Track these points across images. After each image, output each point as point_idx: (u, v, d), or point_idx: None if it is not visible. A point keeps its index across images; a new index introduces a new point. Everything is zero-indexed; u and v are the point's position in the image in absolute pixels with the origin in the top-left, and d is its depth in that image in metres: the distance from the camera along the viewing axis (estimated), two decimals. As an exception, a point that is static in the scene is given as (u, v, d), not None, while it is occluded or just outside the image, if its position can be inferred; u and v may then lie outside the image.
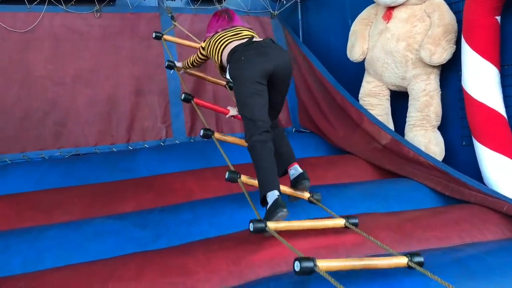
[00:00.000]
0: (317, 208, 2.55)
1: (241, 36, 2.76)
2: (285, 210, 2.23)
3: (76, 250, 2.27)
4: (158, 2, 4.71)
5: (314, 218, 2.44)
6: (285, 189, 2.56)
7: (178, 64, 3.51)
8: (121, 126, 4.38)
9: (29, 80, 4.20)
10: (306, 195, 2.63)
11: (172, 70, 3.59)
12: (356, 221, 2.32)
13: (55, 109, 4.22)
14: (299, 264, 1.76)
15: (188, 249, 2.20)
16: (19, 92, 4.16)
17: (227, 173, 2.52)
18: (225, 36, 2.79)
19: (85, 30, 4.43)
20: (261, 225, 2.12)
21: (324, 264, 1.80)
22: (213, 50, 2.84)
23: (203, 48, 3.01)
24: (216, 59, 2.84)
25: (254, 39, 2.68)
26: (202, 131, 2.87)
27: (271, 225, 2.15)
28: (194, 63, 3.25)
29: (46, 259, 2.20)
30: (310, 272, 1.76)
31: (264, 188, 2.35)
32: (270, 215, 2.24)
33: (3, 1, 4.23)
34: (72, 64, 4.32)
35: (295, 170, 2.64)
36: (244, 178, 2.55)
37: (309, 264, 1.76)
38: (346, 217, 2.33)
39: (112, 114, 4.38)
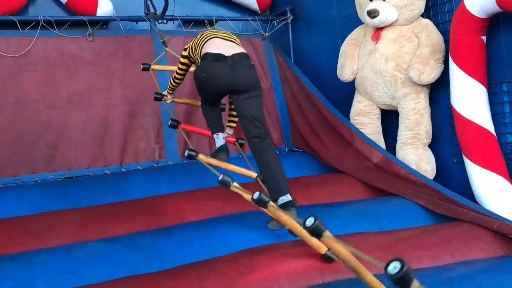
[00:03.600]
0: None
1: (226, 36, 2.94)
2: (225, 156, 2.98)
3: (68, 274, 2.25)
4: (150, 25, 4.76)
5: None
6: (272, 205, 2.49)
7: (165, 93, 3.56)
8: (114, 148, 4.39)
9: (22, 103, 4.21)
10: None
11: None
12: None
13: (48, 132, 4.23)
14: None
15: (180, 272, 2.19)
16: (12, 116, 4.17)
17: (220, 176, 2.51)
18: (211, 32, 2.98)
19: (78, 53, 4.46)
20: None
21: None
22: (196, 45, 2.94)
23: (185, 49, 3.11)
24: (198, 53, 2.92)
25: (228, 53, 2.76)
26: (187, 151, 2.93)
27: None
28: (175, 78, 3.31)
29: (37, 284, 2.18)
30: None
31: (212, 130, 3.09)
32: (214, 155, 2.97)
33: (-4, 27, 4.28)
34: (65, 87, 4.34)
35: (286, 197, 2.64)
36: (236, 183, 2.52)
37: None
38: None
39: (105, 137, 4.38)
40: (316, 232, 2.01)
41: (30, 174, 4.10)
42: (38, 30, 4.33)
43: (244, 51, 2.86)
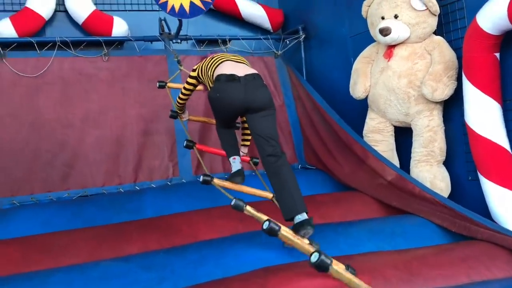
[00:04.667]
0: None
1: (236, 59, 2.99)
2: (240, 180, 2.99)
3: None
4: (164, 45, 4.83)
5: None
6: (286, 231, 2.49)
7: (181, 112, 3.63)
8: (128, 166, 4.43)
9: (38, 122, 4.29)
10: (306, 241, 2.54)
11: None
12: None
13: (64, 150, 4.29)
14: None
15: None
16: (29, 134, 4.25)
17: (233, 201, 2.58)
18: (222, 55, 3.01)
19: (93, 73, 4.55)
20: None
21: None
22: (208, 68, 2.99)
23: (194, 70, 3.17)
24: (210, 76, 2.96)
25: (241, 74, 2.81)
26: (201, 177, 2.93)
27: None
28: (181, 98, 3.38)
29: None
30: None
31: (228, 154, 3.09)
32: (230, 179, 2.99)
33: (15, 48, 4.38)
34: (81, 106, 4.42)
35: (302, 216, 2.63)
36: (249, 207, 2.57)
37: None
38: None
39: (120, 155, 4.43)
40: (322, 267, 2.04)
41: (46, 192, 4.15)
42: (55, 51, 4.42)
43: (255, 71, 2.91)
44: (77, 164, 4.31)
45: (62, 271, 2.46)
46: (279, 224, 2.42)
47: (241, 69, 2.85)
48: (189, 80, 3.22)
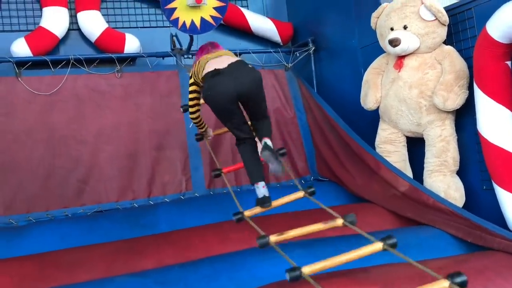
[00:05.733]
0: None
1: (217, 55, 3.11)
2: (269, 204, 2.93)
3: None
4: (176, 60, 4.90)
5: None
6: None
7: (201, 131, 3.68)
8: (142, 181, 4.47)
9: (53, 139, 4.36)
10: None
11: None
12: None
13: (78, 166, 4.35)
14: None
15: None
16: (44, 151, 4.32)
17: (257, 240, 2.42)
18: (205, 57, 3.12)
19: (106, 89, 4.62)
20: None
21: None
22: (197, 72, 3.12)
23: (190, 77, 3.28)
24: (200, 80, 3.09)
25: (224, 66, 2.92)
26: (234, 217, 2.86)
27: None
28: (192, 110, 3.40)
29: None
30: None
31: (251, 179, 3.06)
32: (258, 205, 2.94)
33: (30, 66, 4.47)
34: (94, 123, 4.48)
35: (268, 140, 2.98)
36: (272, 238, 2.44)
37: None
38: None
39: (133, 170, 4.48)
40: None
41: (61, 208, 4.20)
42: (69, 68, 4.50)
43: (239, 59, 3.05)
44: (92, 179, 4.37)
45: (78, 286, 2.48)
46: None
47: (224, 62, 2.97)
48: (190, 88, 3.30)
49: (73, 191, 4.30)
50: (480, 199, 3.49)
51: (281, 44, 5.70)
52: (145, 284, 2.45)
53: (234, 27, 5.63)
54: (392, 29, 3.71)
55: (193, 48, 4.81)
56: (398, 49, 3.63)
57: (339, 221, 2.52)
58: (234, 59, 3.03)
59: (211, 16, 4.33)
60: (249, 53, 5.28)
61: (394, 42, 3.61)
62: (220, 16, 4.40)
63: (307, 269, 2.14)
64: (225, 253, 2.91)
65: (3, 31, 4.79)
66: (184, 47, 4.87)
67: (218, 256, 2.85)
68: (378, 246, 2.25)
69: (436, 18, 3.54)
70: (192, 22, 4.29)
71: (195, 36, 4.63)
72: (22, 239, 3.43)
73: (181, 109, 3.90)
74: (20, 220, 4.02)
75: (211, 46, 3.31)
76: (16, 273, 2.78)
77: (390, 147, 3.93)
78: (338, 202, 4.12)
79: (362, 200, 3.95)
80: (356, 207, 3.83)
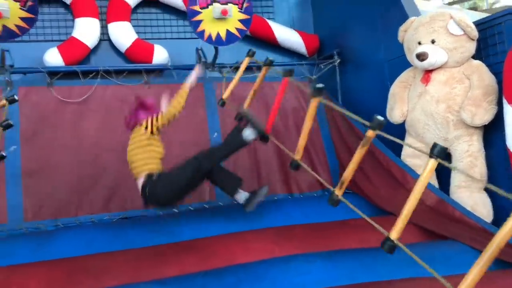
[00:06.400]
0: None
1: None
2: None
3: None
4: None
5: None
6: None
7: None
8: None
9: (82, 147, 4.46)
10: None
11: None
12: None
13: (105, 174, 4.43)
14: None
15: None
16: (73, 159, 4.41)
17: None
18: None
19: (134, 100, 4.70)
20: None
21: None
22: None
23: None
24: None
25: None
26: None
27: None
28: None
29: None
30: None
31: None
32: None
33: (61, 76, 4.60)
34: (122, 132, 4.55)
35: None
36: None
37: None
38: None
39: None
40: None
41: (88, 214, 4.28)
42: (98, 79, 4.62)
43: None
44: (118, 187, 4.44)
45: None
46: None
47: None
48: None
49: (100, 198, 4.38)
50: (508, 216, 3.41)
51: (307, 56, 5.73)
52: (168, 291, 2.49)
53: (260, 39, 5.69)
54: (419, 43, 3.70)
55: (217, 61, 4.89)
56: (426, 63, 3.62)
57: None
58: None
59: (236, 28, 4.40)
60: (273, 65, 5.32)
61: (421, 56, 3.60)
62: (245, 28, 4.46)
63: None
64: (248, 263, 2.92)
65: (37, 41, 4.93)
66: (209, 57, 4.94)
67: (241, 266, 2.87)
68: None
69: (465, 33, 3.52)
70: (218, 34, 4.37)
71: (220, 48, 4.71)
72: (50, 244, 3.50)
73: (219, 103, 3.99)
74: (49, 225, 4.11)
75: None
76: (44, 277, 2.85)
77: (417, 161, 3.90)
78: (359, 215, 4.10)
79: (386, 213, 3.91)
80: (380, 220, 3.76)
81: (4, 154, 2.70)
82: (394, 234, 2.14)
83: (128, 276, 2.81)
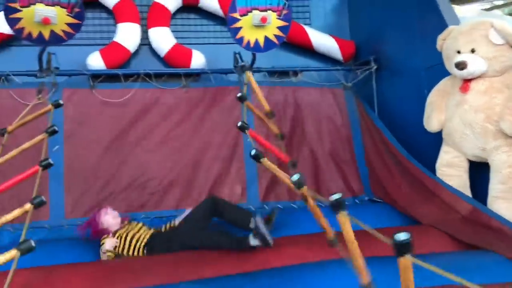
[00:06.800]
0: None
1: None
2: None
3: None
4: (238, 76, 5.06)
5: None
6: None
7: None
8: (202, 190, 4.65)
9: (121, 148, 4.62)
10: None
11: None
12: None
13: (143, 174, 4.58)
14: None
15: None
16: (112, 159, 4.58)
17: None
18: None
19: (172, 103, 4.85)
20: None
21: None
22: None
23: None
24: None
25: None
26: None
27: None
28: None
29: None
30: None
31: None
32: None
33: (103, 79, 4.77)
34: (160, 134, 4.71)
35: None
36: None
37: None
38: None
39: (194, 179, 4.68)
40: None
41: (125, 212, 4.41)
42: (139, 82, 4.76)
43: None
44: (154, 187, 4.58)
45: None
46: None
47: None
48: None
49: (136, 197, 4.53)
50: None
51: (343, 62, 5.74)
52: (208, 292, 2.57)
53: (296, 44, 5.73)
54: (459, 52, 3.67)
55: (255, 65, 4.96)
56: (465, 73, 3.59)
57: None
58: None
59: (275, 35, 4.45)
60: (308, 70, 5.37)
61: (460, 65, 3.57)
62: (283, 35, 4.50)
63: None
64: (282, 266, 2.97)
65: (81, 44, 5.12)
66: (245, 61, 5.01)
67: (275, 269, 2.92)
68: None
69: (507, 42, 3.47)
70: (256, 41, 4.43)
71: (258, 54, 4.77)
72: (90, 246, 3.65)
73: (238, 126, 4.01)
74: (88, 223, 4.27)
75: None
76: (87, 275, 2.97)
77: (452, 171, 3.86)
78: (391, 224, 4.09)
79: (417, 223, 3.89)
80: (411, 229, 3.78)
81: (51, 162, 2.80)
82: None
83: (168, 276, 2.90)
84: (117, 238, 3.53)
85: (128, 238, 3.51)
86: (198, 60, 5.19)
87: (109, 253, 3.50)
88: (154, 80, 4.80)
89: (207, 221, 3.72)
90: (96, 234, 3.67)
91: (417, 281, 2.61)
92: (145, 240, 3.50)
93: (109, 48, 5.11)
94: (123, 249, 3.48)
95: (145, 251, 3.46)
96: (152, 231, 3.65)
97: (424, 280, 2.62)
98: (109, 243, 3.49)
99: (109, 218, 3.71)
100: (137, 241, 3.49)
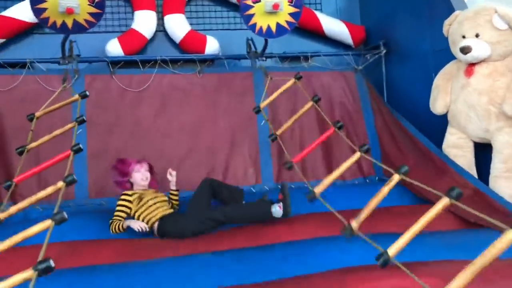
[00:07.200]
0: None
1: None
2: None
3: (186, 280, 2.63)
4: (251, 62, 5.22)
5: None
6: None
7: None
8: (217, 173, 4.82)
9: (139, 132, 4.81)
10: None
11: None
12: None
13: (161, 158, 4.74)
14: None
15: (283, 284, 2.47)
16: (131, 142, 4.77)
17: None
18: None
19: (188, 88, 5.02)
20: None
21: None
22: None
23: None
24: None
25: None
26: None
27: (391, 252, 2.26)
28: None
29: (162, 285, 2.59)
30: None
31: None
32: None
33: (122, 66, 4.97)
34: (177, 119, 4.90)
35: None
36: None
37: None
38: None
39: (210, 163, 4.85)
40: None
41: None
42: (156, 68, 4.95)
43: None
44: (173, 170, 4.78)
45: (167, 260, 2.86)
46: None
47: None
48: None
49: (155, 180, 4.73)
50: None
51: (353, 46, 5.86)
52: (224, 261, 2.78)
53: (307, 30, 5.86)
54: (464, 36, 3.80)
55: (267, 50, 5.12)
56: (469, 57, 3.72)
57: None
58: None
59: (286, 21, 4.59)
60: (319, 55, 5.50)
61: (465, 50, 3.70)
62: (295, 21, 4.64)
63: (392, 251, 2.22)
64: (294, 240, 3.17)
65: (100, 32, 5.32)
66: (258, 48, 5.17)
67: (288, 242, 3.12)
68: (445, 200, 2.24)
69: (510, 27, 3.59)
70: (268, 27, 4.57)
71: (269, 39, 4.92)
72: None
73: (254, 110, 4.16)
74: (109, 203, 4.50)
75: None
76: (113, 250, 3.21)
77: (457, 152, 4.01)
78: (401, 202, 4.25)
79: (426, 202, 4.04)
80: (419, 208, 3.90)
81: (81, 147, 2.96)
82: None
83: (186, 249, 3.13)
84: (134, 200, 3.67)
85: (145, 206, 3.67)
86: (212, 46, 5.36)
87: (122, 214, 3.62)
88: (170, 66, 4.98)
89: (210, 201, 3.89)
90: (119, 182, 3.89)
91: (421, 255, 2.79)
92: (159, 216, 3.64)
93: (127, 35, 5.30)
94: (135, 212, 3.65)
95: (154, 226, 3.60)
96: (171, 210, 3.83)
97: (427, 255, 2.81)
98: (137, 225, 3.50)
99: (139, 177, 3.89)
100: (152, 212, 3.65)
